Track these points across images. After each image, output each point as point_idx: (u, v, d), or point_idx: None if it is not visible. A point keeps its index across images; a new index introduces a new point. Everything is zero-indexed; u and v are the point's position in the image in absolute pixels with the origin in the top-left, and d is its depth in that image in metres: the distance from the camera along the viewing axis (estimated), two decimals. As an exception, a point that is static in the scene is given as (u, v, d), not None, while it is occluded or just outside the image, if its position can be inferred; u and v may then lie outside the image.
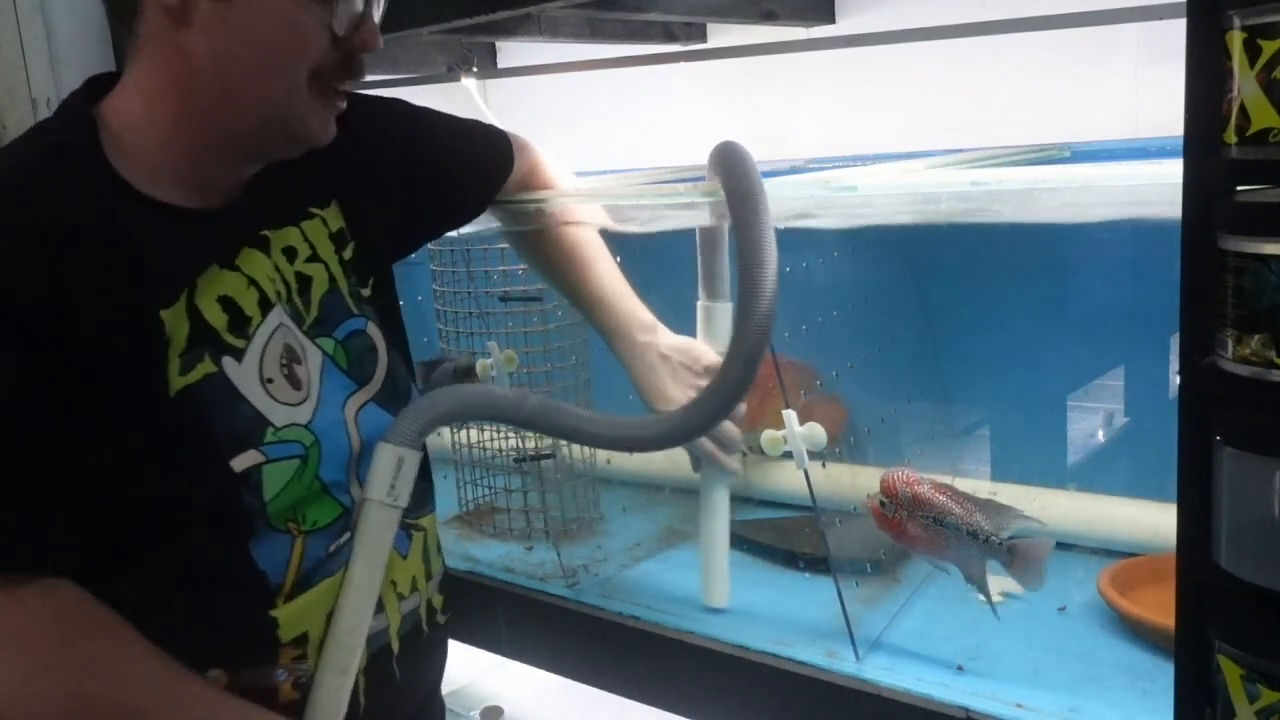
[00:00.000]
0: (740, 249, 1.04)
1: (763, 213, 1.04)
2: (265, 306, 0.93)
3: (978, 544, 1.08)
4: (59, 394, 0.81)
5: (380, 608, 0.98)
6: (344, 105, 0.94)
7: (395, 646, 1.00)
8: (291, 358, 0.94)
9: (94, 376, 0.82)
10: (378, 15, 0.93)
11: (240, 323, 0.91)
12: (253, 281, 0.92)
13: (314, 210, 1.00)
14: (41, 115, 1.89)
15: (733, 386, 1.07)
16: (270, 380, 0.91)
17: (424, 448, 1.03)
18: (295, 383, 0.93)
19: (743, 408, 1.19)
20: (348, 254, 1.01)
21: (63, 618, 0.82)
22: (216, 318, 0.89)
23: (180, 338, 0.87)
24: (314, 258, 0.98)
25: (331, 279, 0.99)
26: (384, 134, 1.09)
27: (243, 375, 0.90)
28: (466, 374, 1.54)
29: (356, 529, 0.96)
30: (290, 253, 0.96)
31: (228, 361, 0.89)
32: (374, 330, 1.02)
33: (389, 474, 0.96)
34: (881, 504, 1.13)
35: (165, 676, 0.84)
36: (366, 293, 1.03)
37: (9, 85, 1.96)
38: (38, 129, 0.92)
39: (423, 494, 1.06)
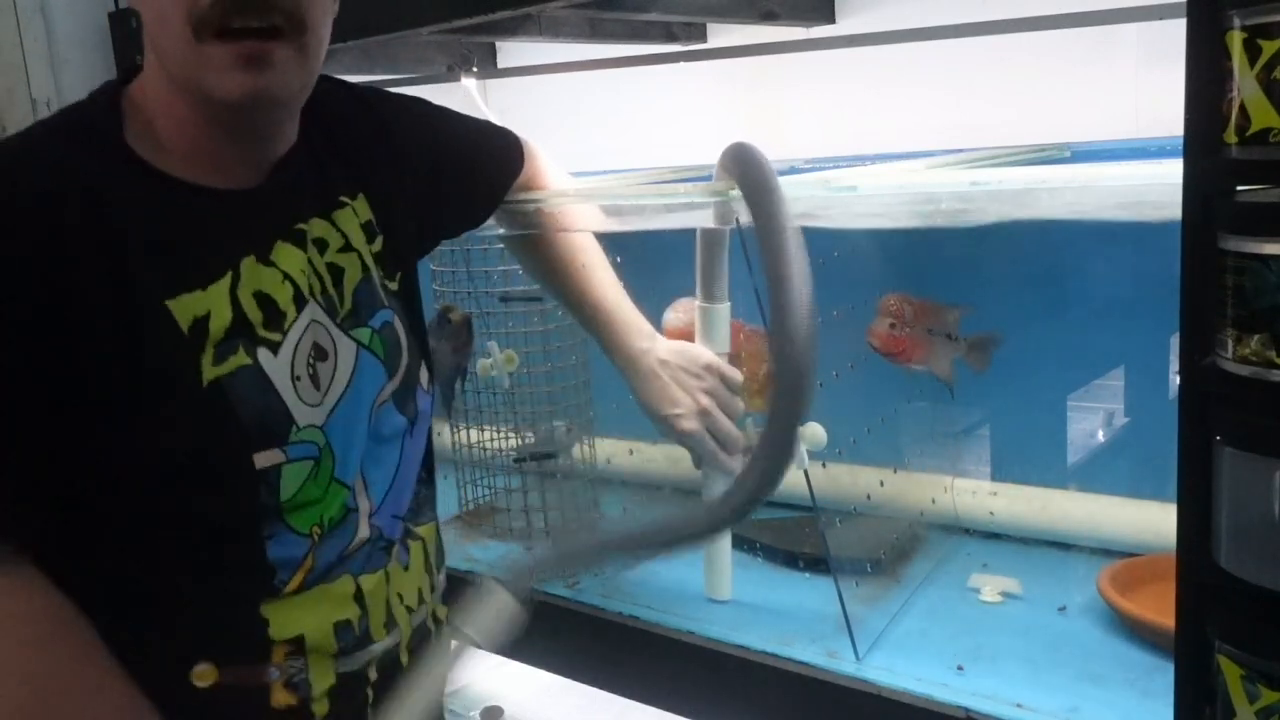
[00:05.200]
0: (766, 259, 1.01)
1: (786, 215, 1.02)
2: (300, 302, 0.91)
3: (950, 343, 1.33)
4: (38, 362, 0.80)
5: (394, 623, 0.98)
6: (263, 52, 0.83)
7: (405, 659, 0.99)
8: (318, 356, 0.93)
9: (76, 351, 0.81)
10: None
11: (276, 318, 0.89)
12: (287, 276, 0.91)
13: (344, 199, 0.98)
14: (41, 115, 1.89)
15: (781, 437, 1.02)
16: (298, 378, 0.90)
17: None
18: (316, 383, 0.92)
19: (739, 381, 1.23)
20: (376, 247, 1.00)
21: (34, 617, 0.81)
22: (254, 313, 0.88)
23: (219, 328, 0.86)
24: (347, 247, 0.97)
25: (365, 268, 0.98)
26: (410, 131, 1.08)
27: (277, 369, 0.89)
28: (464, 326, 1.52)
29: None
30: (321, 244, 0.95)
31: (263, 354, 0.88)
32: (399, 324, 1.01)
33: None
34: (891, 326, 1.28)
35: (123, 703, 0.83)
36: (394, 286, 1.02)
37: (9, 85, 1.96)
38: (64, 109, 0.92)
39: (424, 501, 1.05)
